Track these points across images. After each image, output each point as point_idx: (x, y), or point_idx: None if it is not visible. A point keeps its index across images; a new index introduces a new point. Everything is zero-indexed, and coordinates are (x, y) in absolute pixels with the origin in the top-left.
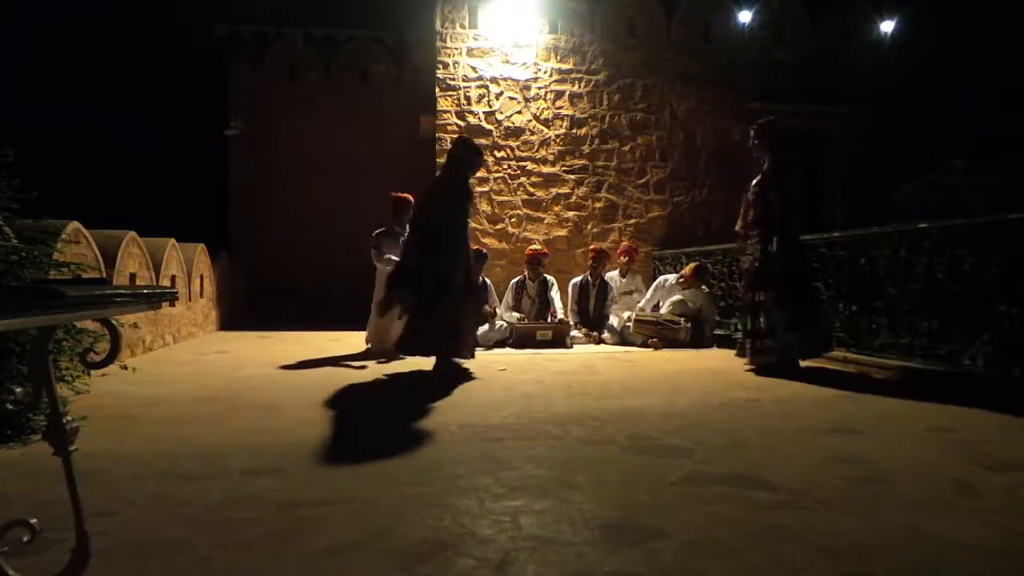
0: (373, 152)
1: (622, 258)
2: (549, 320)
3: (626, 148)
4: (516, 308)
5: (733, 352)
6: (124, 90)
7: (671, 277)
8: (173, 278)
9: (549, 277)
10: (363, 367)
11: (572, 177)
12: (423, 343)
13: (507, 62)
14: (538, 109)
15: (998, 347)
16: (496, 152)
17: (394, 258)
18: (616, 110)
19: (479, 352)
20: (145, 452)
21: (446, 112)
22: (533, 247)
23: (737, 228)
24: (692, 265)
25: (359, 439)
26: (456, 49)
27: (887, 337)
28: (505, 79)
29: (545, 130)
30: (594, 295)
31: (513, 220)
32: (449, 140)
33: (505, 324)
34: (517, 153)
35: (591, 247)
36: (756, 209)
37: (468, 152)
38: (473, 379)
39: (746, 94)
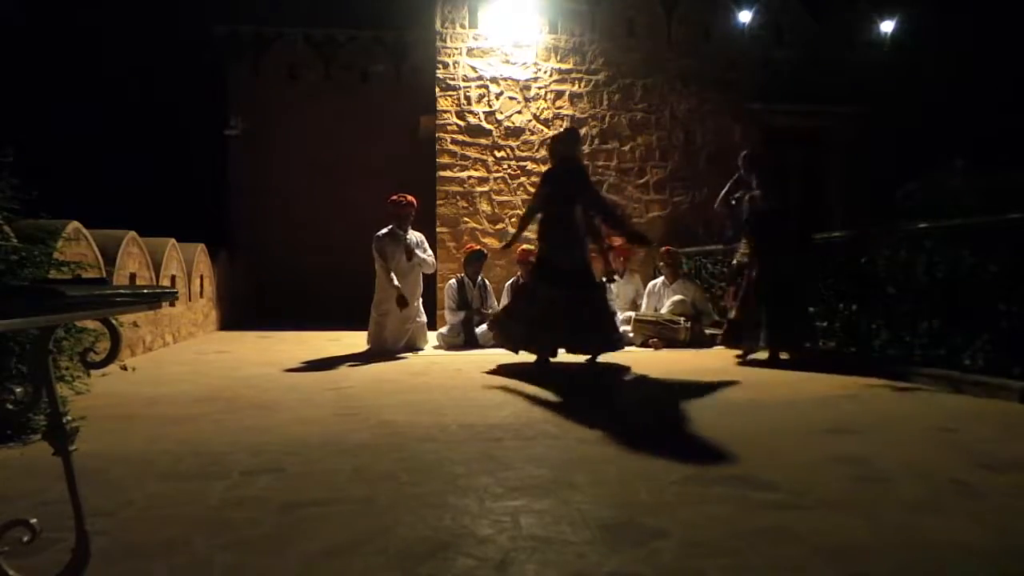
0: (373, 152)
1: (617, 259)
2: None
3: (626, 148)
4: None
5: (733, 353)
6: (124, 90)
7: (658, 281)
8: (173, 278)
9: None
10: (363, 367)
11: None
12: None
13: (507, 62)
14: (538, 109)
15: (998, 347)
16: (496, 152)
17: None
18: (616, 110)
19: (479, 352)
20: (145, 452)
21: (446, 112)
22: (525, 246)
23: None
24: (664, 249)
25: (359, 439)
26: (456, 49)
27: (887, 337)
28: (505, 79)
29: (545, 130)
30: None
31: (513, 220)
32: (449, 140)
33: None
34: (517, 153)
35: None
36: (749, 210)
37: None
38: None
39: (746, 94)
